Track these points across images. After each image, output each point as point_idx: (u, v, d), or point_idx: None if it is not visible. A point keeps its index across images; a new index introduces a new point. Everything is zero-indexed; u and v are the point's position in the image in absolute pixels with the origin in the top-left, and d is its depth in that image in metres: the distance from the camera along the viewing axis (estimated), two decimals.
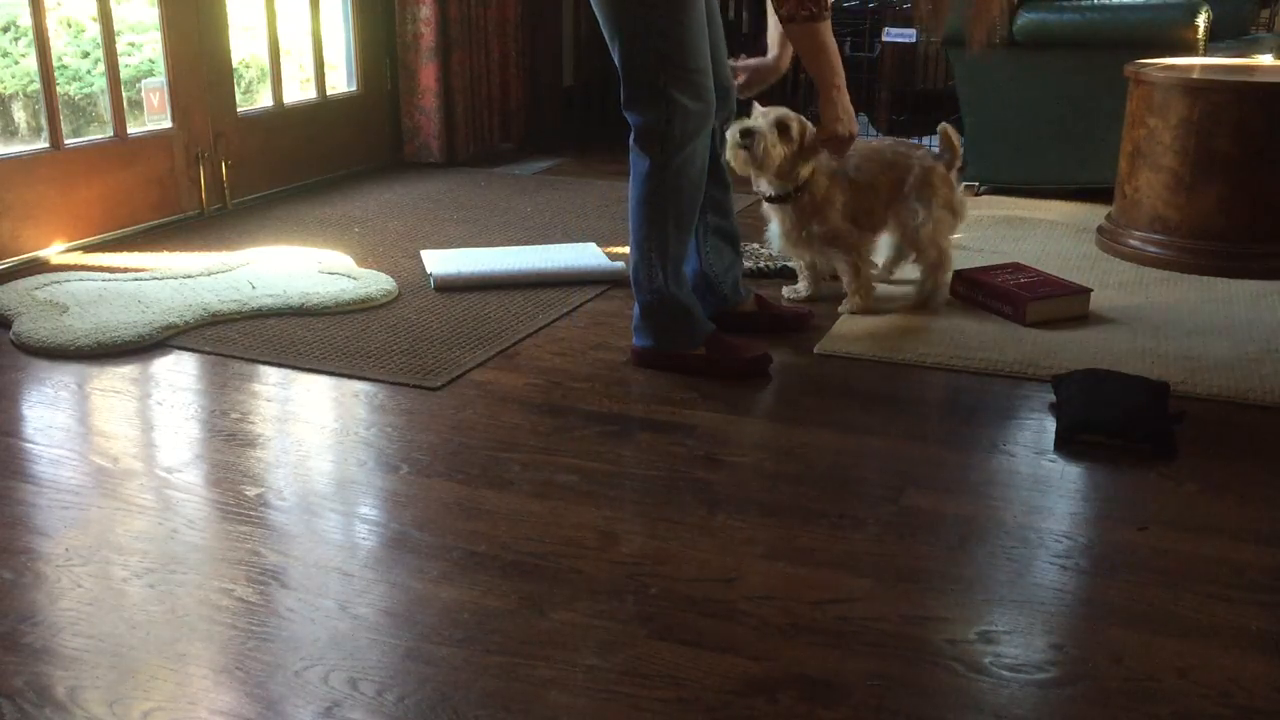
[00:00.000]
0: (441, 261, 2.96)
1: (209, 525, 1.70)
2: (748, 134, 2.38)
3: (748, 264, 2.97)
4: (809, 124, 2.44)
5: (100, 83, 3.37)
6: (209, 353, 2.41)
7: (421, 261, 3.06)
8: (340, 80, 4.30)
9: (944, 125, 2.71)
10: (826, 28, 2.13)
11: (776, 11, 2.13)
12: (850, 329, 2.55)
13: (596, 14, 2.15)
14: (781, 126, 2.41)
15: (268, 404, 2.17)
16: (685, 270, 2.31)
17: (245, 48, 3.99)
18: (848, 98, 2.25)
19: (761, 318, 2.53)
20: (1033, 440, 2.02)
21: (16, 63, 3.47)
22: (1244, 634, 1.45)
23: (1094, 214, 3.53)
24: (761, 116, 2.43)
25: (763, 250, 3.11)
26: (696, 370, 2.29)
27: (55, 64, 3.11)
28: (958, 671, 1.37)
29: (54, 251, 3.13)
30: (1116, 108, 3.27)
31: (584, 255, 3.04)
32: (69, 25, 3.60)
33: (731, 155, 2.42)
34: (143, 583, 1.54)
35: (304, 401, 2.19)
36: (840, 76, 2.21)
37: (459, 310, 2.68)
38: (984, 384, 2.28)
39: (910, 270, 2.82)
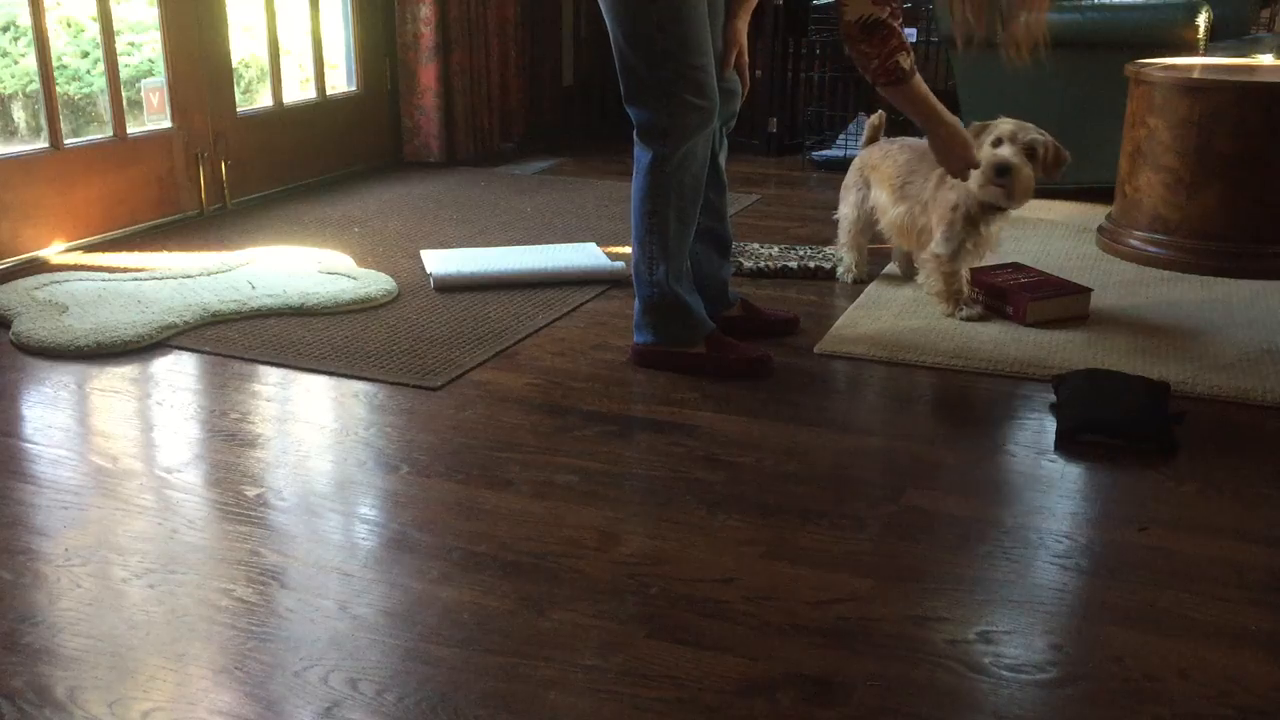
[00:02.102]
0: (441, 261, 2.96)
1: (209, 525, 1.70)
2: (1005, 171, 2.41)
3: (748, 264, 2.97)
4: (1054, 142, 2.47)
5: (100, 82, 3.37)
6: (208, 353, 2.41)
7: (421, 261, 3.06)
8: (340, 80, 4.30)
9: (881, 114, 2.88)
10: (915, 85, 2.22)
11: (866, 78, 2.23)
12: (850, 329, 2.55)
13: (601, 8, 2.15)
14: (1030, 151, 2.43)
15: (267, 404, 2.16)
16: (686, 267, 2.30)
17: (245, 47, 3.99)
18: (951, 133, 2.31)
19: (747, 323, 2.51)
20: (1033, 440, 2.02)
21: (16, 62, 3.47)
22: (1244, 634, 1.45)
23: (1094, 214, 3.53)
24: (1009, 142, 2.43)
25: (762, 250, 3.11)
26: (696, 369, 2.29)
27: (55, 64, 3.11)
28: (958, 671, 1.37)
29: (54, 251, 3.13)
30: (1116, 108, 3.27)
31: (584, 255, 3.04)
32: (69, 25, 3.60)
33: (982, 191, 2.45)
34: (142, 583, 1.54)
35: (304, 401, 2.19)
36: (935, 120, 2.29)
37: (459, 310, 2.68)
38: (984, 384, 2.28)
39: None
